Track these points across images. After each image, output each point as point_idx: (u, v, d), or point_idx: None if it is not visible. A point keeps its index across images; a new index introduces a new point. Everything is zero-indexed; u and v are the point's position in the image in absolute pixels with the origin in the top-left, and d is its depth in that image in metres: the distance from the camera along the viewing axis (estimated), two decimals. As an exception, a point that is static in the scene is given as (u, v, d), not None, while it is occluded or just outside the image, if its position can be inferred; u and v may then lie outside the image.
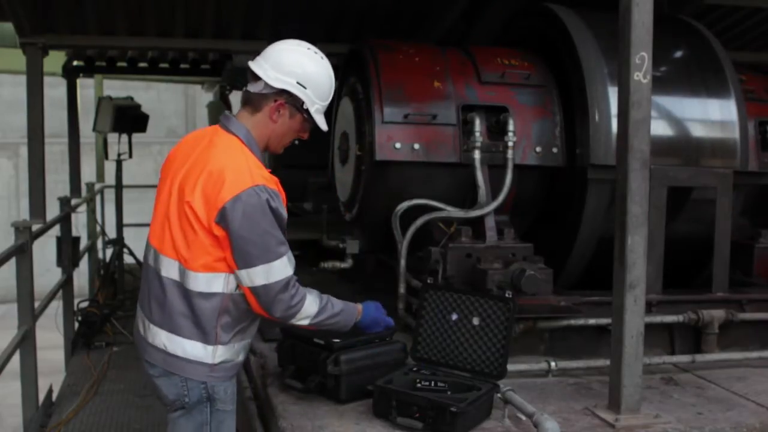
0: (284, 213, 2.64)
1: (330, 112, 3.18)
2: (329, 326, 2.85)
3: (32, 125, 5.78)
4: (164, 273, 2.68)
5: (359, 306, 3.02)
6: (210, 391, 2.70)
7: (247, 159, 2.64)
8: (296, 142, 2.89)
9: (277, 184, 2.65)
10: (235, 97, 9.93)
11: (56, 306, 6.63)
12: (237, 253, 2.57)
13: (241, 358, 2.81)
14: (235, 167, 2.58)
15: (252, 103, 2.73)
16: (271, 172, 2.69)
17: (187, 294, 2.64)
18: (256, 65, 2.71)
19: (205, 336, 2.65)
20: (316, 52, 2.79)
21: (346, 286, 5.23)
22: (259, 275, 2.59)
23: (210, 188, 2.57)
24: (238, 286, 2.66)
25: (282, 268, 2.62)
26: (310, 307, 2.74)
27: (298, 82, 2.70)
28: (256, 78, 2.70)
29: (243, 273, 2.60)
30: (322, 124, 2.79)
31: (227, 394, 2.75)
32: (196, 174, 2.63)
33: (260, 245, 2.56)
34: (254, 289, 2.62)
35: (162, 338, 2.69)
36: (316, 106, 2.75)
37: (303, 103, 2.71)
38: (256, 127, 2.72)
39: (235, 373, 2.81)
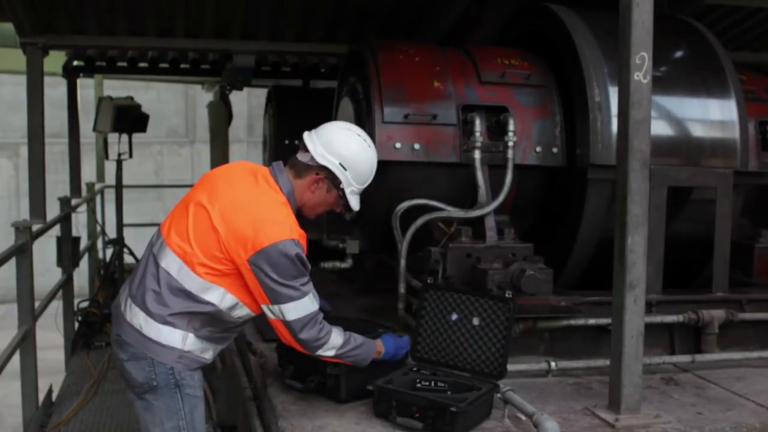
0: (308, 265, 2.84)
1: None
2: (353, 358, 2.99)
3: (32, 125, 5.78)
4: (164, 264, 2.82)
5: (378, 341, 3.12)
6: (177, 376, 2.83)
7: (287, 214, 2.85)
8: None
9: (305, 240, 2.85)
10: (235, 97, 9.95)
11: (56, 306, 6.62)
12: (269, 291, 2.76)
13: (206, 356, 2.91)
14: (276, 218, 2.79)
15: (297, 168, 2.94)
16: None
17: (179, 289, 2.78)
18: (309, 139, 2.94)
19: (180, 324, 2.80)
20: (365, 140, 3.01)
21: (346, 286, 5.23)
22: (291, 311, 2.79)
23: (248, 229, 2.74)
24: (236, 305, 2.84)
25: (309, 303, 2.82)
26: (335, 339, 2.91)
27: (340, 163, 2.92)
28: (306, 149, 2.92)
29: (275, 308, 2.80)
30: (355, 205, 3.02)
31: (194, 380, 2.89)
32: (233, 206, 2.80)
33: (290, 287, 2.76)
34: (287, 323, 2.82)
35: (140, 319, 2.82)
36: (352, 188, 2.98)
37: (341, 182, 2.93)
38: (297, 191, 2.94)
39: (199, 368, 2.92)
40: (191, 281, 2.77)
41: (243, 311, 2.87)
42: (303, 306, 2.79)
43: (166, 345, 2.79)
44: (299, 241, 2.78)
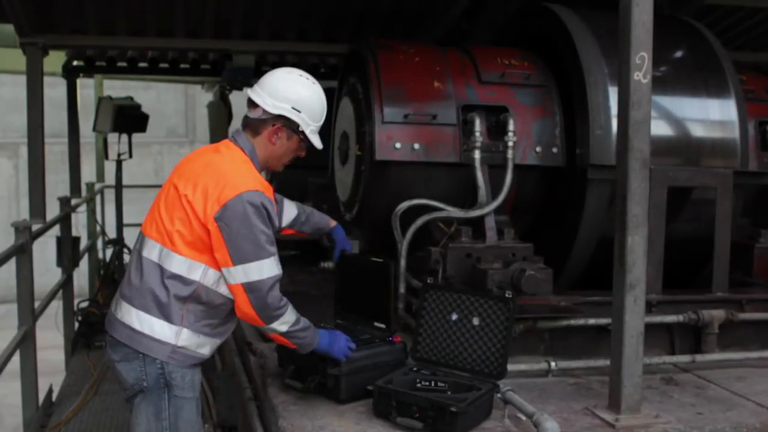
0: (276, 221, 2.87)
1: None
2: (299, 340, 2.94)
3: (32, 125, 5.79)
4: (145, 254, 2.86)
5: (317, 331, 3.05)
6: (167, 377, 2.83)
7: (250, 169, 2.88)
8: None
9: (272, 194, 2.89)
10: (235, 97, 9.93)
11: (56, 306, 6.63)
12: (233, 248, 2.73)
13: (203, 351, 2.90)
14: (239, 172, 2.82)
15: (251, 127, 2.95)
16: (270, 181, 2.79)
17: (163, 274, 2.80)
18: (254, 94, 2.94)
19: (172, 316, 2.80)
20: (307, 78, 3.01)
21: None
22: (254, 270, 2.75)
23: (212, 186, 2.76)
24: (218, 281, 2.81)
25: (274, 265, 2.80)
26: (291, 314, 2.88)
27: (293, 107, 2.92)
28: (255, 105, 2.93)
29: (239, 269, 2.74)
30: (317, 143, 3.01)
31: (185, 381, 2.87)
32: (197, 171, 2.84)
33: (255, 242, 2.74)
34: (248, 285, 2.76)
35: (131, 315, 2.83)
36: (311, 127, 2.97)
37: (298, 125, 2.93)
38: (258, 148, 2.95)
39: (195, 364, 2.91)
40: (173, 262, 2.79)
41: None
42: (269, 267, 2.76)
43: (158, 339, 2.80)
44: (264, 193, 2.79)
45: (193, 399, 2.92)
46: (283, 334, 2.89)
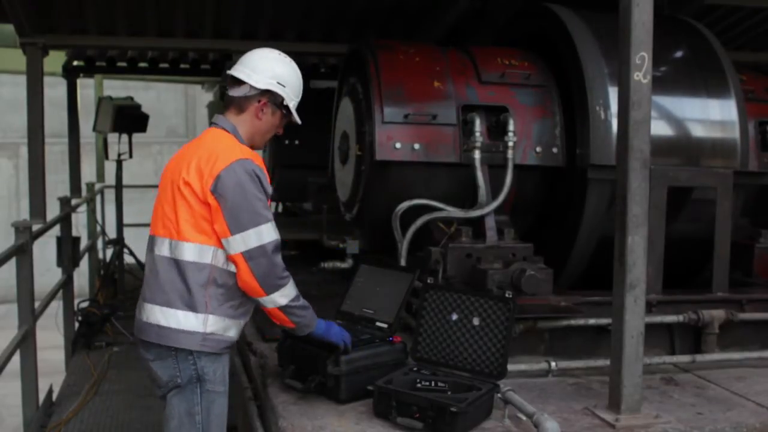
0: (269, 187, 2.91)
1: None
2: (297, 318, 2.97)
3: (32, 125, 5.79)
4: (157, 251, 2.91)
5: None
6: (200, 371, 2.86)
7: (236, 142, 2.95)
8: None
9: (262, 162, 2.94)
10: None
11: (56, 306, 6.63)
12: (230, 218, 2.79)
13: (231, 334, 2.92)
14: (226, 146, 2.91)
15: (235, 105, 3.02)
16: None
17: (178, 266, 2.84)
18: (239, 72, 3.01)
19: (196, 305, 2.83)
20: (285, 56, 3.12)
21: (346, 286, 5.23)
22: (252, 237, 2.80)
23: (204, 163, 2.84)
24: (227, 261, 2.84)
25: (272, 230, 2.85)
26: (292, 287, 2.92)
27: (278, 82, 3.01)
28: (238, 83, 3.00)
29: (237, 237, 2.80)
30: (298, 119, 3.12)
31: (216, 375, 2.90)
32: (189, 158, 2.91)
33: (251, 209, 2.81)
34: (249, 253, 2.80)
35: (156, 313, 2.87)
36: (293, 102, 3.08)
37: (283, 100, 3.02)
38: (242, 126, 3.01)
39: (225, 350, 2.93)
40: (184, 250, 2.83)
41: None
42: (267, 232, 2.82)
43: (187, 330, 2.82)
44: (253, 160, 2.87)
45: (224, 393, 2.96)
46: (282, 308, 2.91)
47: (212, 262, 2.84)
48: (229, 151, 2.86)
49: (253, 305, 3.00)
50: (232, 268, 2.86)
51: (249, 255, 2.80)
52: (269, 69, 3.01)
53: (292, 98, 3.05)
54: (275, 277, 2.85)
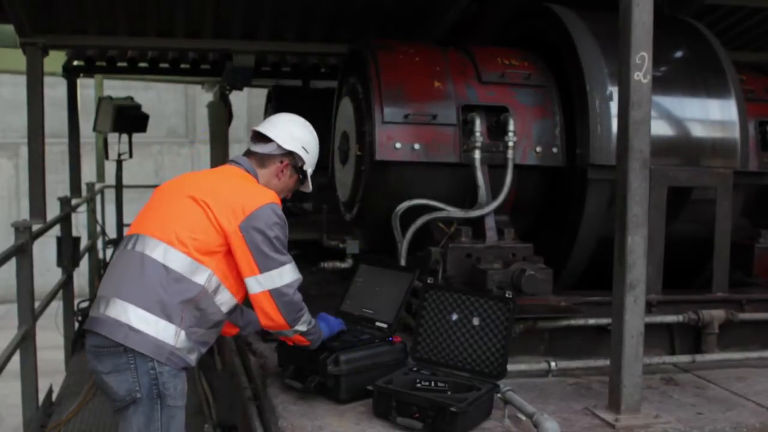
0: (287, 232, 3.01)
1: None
2: (312, 336, 3.08)
3: (32, 125, 5.78)
4: (148, 252, 2.86)
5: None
6: (161, 387, 2.81)
7: (264, 186, 3.08)
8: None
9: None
10: (235, 97, 9.94)
11: (56, 306, 6.63)
12: (259, 256, 2.86)
13: (192, 357, 2.91)
14: (257, 186, 3.06)
15: (257, 160, 3.14)
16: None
17: (168, 274, 2.82)
18: (267, 130, 3.15)
19: (172, 317, 2.82)
20: (309, 125, 3.27)
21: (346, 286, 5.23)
22: (279, 277, 2.90)
23: (235, 196, 2.91)
24: (219, 290, 2.88)
25: (295, 270, 2.97)
26: (308, 314, 3.03)
27: (303, 147, 3.16)
28: (263, 139, 3.13)
29: (266, 276, 2.88)
30: (311, 186, 3.27)
31: (177, 390, 2.87)
32: (212, 183, 3.01)
33: (279, 250, 2.91)
34: (276, 291, 2.89)
35: (128, 312, 2.79)
36: (310, 170, 3.23)
37: (303, 164, 3.17)
38: (261, 179, 3.12)
39: (183, 368, 2.90)
40: (178, 261, 2.82)
41: (225, 295, 2.91)
42: (291, 271, 2.93)
43: (159, 340, 2.77)
44: (280, 206, 2.99)
45: (183, 408, 2.93)
46: (303, 334, 3.03)
47: (205, 284, 2.85)
48: (262, 192, 2.98)
49: (212, 341, 3.03)
50: (218, 299, 2.88)
51: (276, 293, 2.89)
52: (298, 134, 3.16)
53: (310, 165, 3.19)
54: (297, 311, 2.96)
